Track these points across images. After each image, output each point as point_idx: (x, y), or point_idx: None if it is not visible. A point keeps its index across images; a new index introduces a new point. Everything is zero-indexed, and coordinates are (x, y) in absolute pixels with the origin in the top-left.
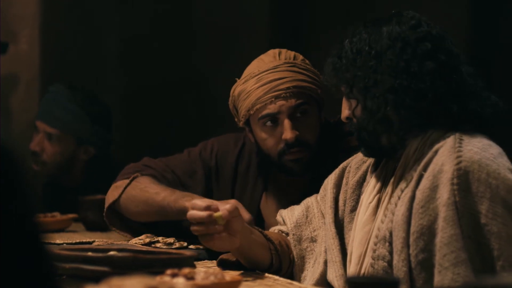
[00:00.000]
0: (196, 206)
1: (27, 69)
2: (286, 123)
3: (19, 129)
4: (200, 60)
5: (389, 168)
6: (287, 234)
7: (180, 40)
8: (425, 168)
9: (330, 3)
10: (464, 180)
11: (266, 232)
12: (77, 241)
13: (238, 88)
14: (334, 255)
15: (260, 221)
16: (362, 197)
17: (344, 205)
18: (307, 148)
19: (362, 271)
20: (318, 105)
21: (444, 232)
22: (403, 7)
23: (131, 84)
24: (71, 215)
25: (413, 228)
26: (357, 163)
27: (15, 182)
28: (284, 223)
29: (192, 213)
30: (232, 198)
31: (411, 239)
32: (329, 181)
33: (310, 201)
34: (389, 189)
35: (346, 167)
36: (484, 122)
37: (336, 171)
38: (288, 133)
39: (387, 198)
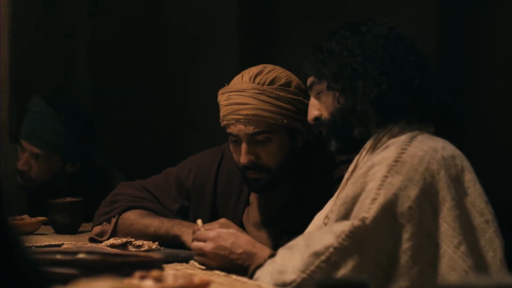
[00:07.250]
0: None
1: None
2: (243, 147)
3: None
4: (170, 64)
5: None
6: None
7: (150, 43)
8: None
9: (302, 8)
10: (400, 165)
11: None
12: (46, 244)
13: (219, 95)
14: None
15: None
16: None
17: None
18: (265, 171)
19: None
20: (289, 131)
21: (363, 202)
22: (370, 4)
23: (101, 90)
24: (40, 218)
25: (339, 197)
26: None
27: None
28: None
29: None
30: (214, 215)
31: (334, 206)
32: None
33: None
34: (344, 183)
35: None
36: (454, 118)
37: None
38: (242, 158)
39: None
